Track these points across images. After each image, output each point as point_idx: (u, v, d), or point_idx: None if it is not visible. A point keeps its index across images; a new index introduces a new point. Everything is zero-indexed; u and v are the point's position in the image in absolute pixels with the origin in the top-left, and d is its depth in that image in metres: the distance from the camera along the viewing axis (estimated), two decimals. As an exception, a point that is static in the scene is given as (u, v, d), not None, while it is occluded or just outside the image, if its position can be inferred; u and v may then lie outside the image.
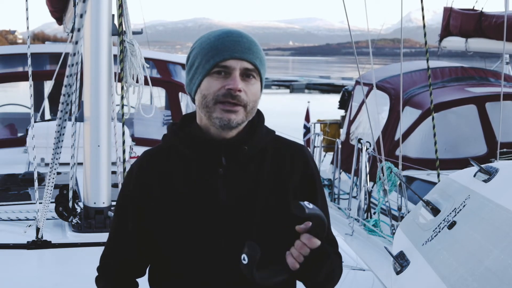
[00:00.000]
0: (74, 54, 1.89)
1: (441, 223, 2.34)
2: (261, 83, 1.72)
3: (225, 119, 1.65)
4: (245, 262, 1.51)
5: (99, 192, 3.44)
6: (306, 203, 1.49)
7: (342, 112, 11.42)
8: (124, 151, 3.58)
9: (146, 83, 3.62)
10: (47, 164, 5.04)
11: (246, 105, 1.66)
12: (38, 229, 3.26)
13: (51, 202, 3.37)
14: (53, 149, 2.50)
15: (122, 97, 3.59)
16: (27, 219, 3.68)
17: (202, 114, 1.69)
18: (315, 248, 1.54)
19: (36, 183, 3.43)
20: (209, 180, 1.71)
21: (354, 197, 7.43)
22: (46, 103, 6.92)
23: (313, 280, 1.68)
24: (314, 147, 9.37)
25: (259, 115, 1.79)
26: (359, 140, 7.20)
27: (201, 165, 1.72)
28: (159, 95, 7.11)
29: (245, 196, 1.71)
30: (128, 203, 1.78)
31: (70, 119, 3.31)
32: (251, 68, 1.66)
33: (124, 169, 3.56)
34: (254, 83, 1.68)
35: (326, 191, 8.82)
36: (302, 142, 10.46)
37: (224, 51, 1.64)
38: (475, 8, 10.73)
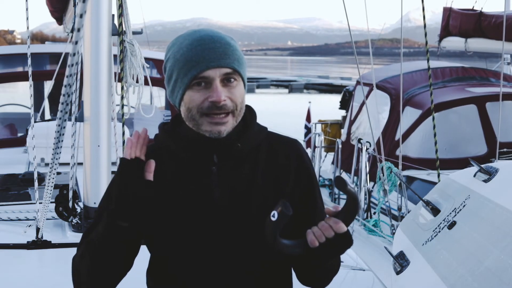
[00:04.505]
0: (74, 54, 1.89)
1: (441, 223, 2.35)
2: (244, 82, 1.69)
3: (215, 131, 1.64)
4: (273, 219, 1.47)
5: (99, 192, 3.44)
6: (349, 181, 1.49)
7: (343, 112, 11.43)
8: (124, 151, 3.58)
9: (146, 83, 3.62)
10: (47, 164, 5.04)
11: (234, 111, 1.65)
12: (38, 229, 3.26)
13: (51, 202, 3.37)
14: (53, 149, 2.50)
15: (122, 97, 3.58)
16: (27, 219, 3.69)
17: (190, 125, 1.68)
18: (338, 234, 1.52)
19: (36, 183, 3.43)
20: (202, 179, 1.70)
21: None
22: (46, 103, 6.93)
23: (320, 264, 1.66)
24: (315, 147, 9.37)
25: (251, 112, 1.78)
26: (359, 140, 7.21)
27: (194, 164, 1.71)
28: (159, 95, 7.12)
29: (240, 194, 1.70)
30: None
31: (70, 119, 3.31)
32: (230, 72, 1.63)
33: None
34: (237, 85, 1.66)
35: (327, 191, 8.83)
36: (302, 143, 10.49)
37: (199, 63, 1.60)
38: (474, 8, 10.73)
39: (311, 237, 1.52)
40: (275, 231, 1.49)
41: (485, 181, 2.29)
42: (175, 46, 1.67)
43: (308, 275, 1.76)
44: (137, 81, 3.57)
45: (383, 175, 5.85)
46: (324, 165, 9.77)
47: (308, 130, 11.09)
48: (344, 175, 8.76)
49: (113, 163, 3.52)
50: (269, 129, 1.82)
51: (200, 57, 1.61)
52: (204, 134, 1.66)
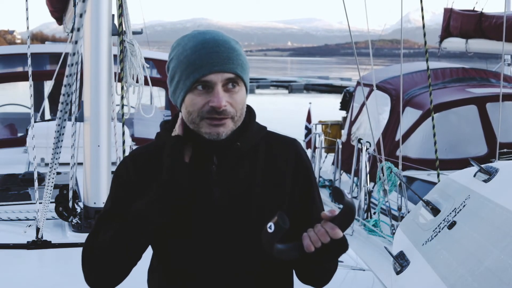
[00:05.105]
0: (74, 54, 1.89)
1: (441, 223, 2.35)
2: (246, 87, 1.69)
3: (214, 133, 1.64)
4: (270, 231, 1.48)
5: (99, 192, 3.44)
6: (346, 191, 1.49)
7: (343, 113, 11.43)
8: (124, 151, 3.58)
9: (146, 83, 3.62)
10: (47, 164, 5.04)
11: (234, 116, 1.65)
12: (38, 229, 3.26)
13: (51, 202, 3.36)
14: (53, 149, 2.49)
15: (122, 97, 3.58)
16: (27, 219, 3.68)
17: (190, 127, 1.68)
18: (335, 239, 1.52)
19: (36, 183, 3.43)
20: (202, 179, 1.70)
21: (355, 197, 7.43)
22: (46, 103, 6.93)
23: (317, 265, 1.66)
24: (315, 147, 9.36)
25: (250, 112, 1.77)
26: (359, 140, 7.21)
27: (193, 163, 1.70)
28: (159, 95, 7.12)
29: (239, 193, 1.70)
30: (127, 190, 1.74)
31: (70, 119, 3.31)
32: (233, 77, 1.63)
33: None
34: (239, 91, 1.65)
35: (327, 192, 8.82)
36: (303, 143, 10.48)
37: (202, 66, 1.60)
38: (475, 9, 10.72)
39: (307, 242, 1.52)
40: (272, 242, 1.50)
41: (485, 181, 2.29)
42: (180, 47, 1.67)
43: (307, 274, 1.77)
44: (137, 81, 3.57)
45: (383, 175, 5.85)
46: (325, 166, 9.77)
47: (308, 130, 11.07)
48: (345, 176, 8.76)
49: (113, 163, 3.53)
50: (268, 129, 1.82)
51: (204, 60, 1.60)
52: (204, 136, 1.66)
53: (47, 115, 7.38)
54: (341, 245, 1.56)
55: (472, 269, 1.93)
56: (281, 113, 25.10)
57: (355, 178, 7.60)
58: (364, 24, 6.09)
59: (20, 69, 6.97)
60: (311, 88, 47.20)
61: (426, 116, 7.73)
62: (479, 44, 10.22)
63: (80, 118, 3.51)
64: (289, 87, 46.66)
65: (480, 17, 9.97)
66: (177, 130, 1.69)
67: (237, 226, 1.69)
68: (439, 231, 2.30)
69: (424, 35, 4.86)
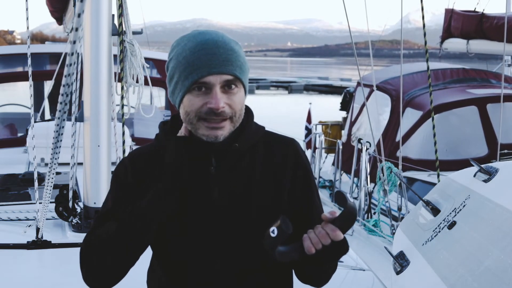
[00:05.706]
0: (72, 54, 1.88)
1: (441, 223, 2.34)
2: (245, 88, 1.69)
3: (212, 136, 1.64)
4: (273, 235, 1.48)
5: (99, 192, 3.44)
6: (348, 194, 1.49)
7: (343, 113, 11.43)
8: (124, 151, 3.58)
9: (146, 83, 3.62)
10: (47, 164, 5.04)
11: (232, 117, 1.65)
12: (38, 229, 3.25)
13: (51, 202, 3.36)
14: (52, 149, 2.49)
15: (122, 97, 3.58)
16: (27, 219, 3.68)
17: (188, 128, 1.68)
18: (335, 241, 1.51)
19: (36, 183, 3.43)
20: (201, 180, 1.70)
21: (355, 198, 7.44)
22: (46, 103, 6.93)
23: (317, 265, 1.66)
24: (315, 148, 9.36)
25: (248, 113, 1.77)
26: (359, 140, 7.21)
27: (192, 164, 1.71)
28: (159, 95, 7.12)
29: (239, 193, 1.70)
30: (125, 191, 1.74)
31: (70, 119, 3.31)
32: (232, 79, 1.62)
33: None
34: (237, 92, 1.65)
35: (327, 192, 8.82)
36: (303, 143, 10.47)
37: (201, 68, 1.59)
38: (476, 10, 10.72)
39: (308, 243, 1.51)
40: (274, 247, 1.50)
41: (485, 181, 2.29)
42: (179, 47, 1.66)
43: (307, 274, 1.77)
44: (137, 81, 3.57)
45: (383, 175, 5.85)
46: (325, 166, 9.76)
47: (308, 131, 11.07)
48: (345, 177, 8.75)
49: (113, 163, 3.53)
50: (266, 129, 1.82)
51: (202, 62, 1.59)
52: (201, 138, 1.66)
53: (47, 115, 7.38)
54: (342, 247, 1.56)
55: (472, 269, 1.93)
56: (281, 114, 25.10)
57: (355, 179, 7.60)
58: (364, 25, 6.09)
59: (20, 69, 6.96)
60: (311, 88, 47.21)
61: (427, 117, 7.73)
62: (480, 45, 10.22)
63: (80, 118, 3.51)
64: (289, 87, 46.67)
65: (481, 18, 9.97)
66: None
67: (236, 226, 1.69)
68: (439, 231, 2.29)
69: (425, 35, 4.86)
